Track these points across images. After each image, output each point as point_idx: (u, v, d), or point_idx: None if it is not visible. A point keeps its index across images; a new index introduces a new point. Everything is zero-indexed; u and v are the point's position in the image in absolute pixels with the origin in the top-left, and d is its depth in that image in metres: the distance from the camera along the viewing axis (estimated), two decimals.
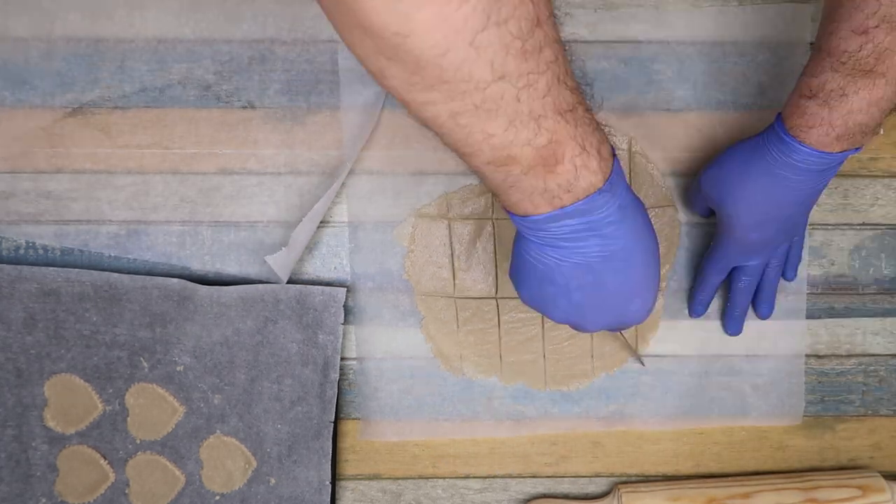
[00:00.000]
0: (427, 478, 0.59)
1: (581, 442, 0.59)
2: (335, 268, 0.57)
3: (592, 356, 0.58)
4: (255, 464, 0.56)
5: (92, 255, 0.56)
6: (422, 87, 0.33)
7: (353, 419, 0.58)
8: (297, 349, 0.55)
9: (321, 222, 0.57)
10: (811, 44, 0.56)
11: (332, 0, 0.30)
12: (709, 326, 0.59)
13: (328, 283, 0.57)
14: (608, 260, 0.41)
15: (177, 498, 0.56)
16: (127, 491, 0.56)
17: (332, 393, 0.55)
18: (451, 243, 0.57)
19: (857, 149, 0.46)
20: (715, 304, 0.58)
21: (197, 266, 0.57)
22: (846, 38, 0.42)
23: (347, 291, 0.56)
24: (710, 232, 0.58)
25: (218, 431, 0.56)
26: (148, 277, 0.54)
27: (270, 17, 0.55)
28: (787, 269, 0.57)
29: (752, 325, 0.58)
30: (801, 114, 0.45)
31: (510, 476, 0.59)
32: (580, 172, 0.37)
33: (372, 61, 0.33)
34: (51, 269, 0.54)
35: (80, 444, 0.55)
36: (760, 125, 0.55)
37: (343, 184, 0.56)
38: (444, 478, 0.59)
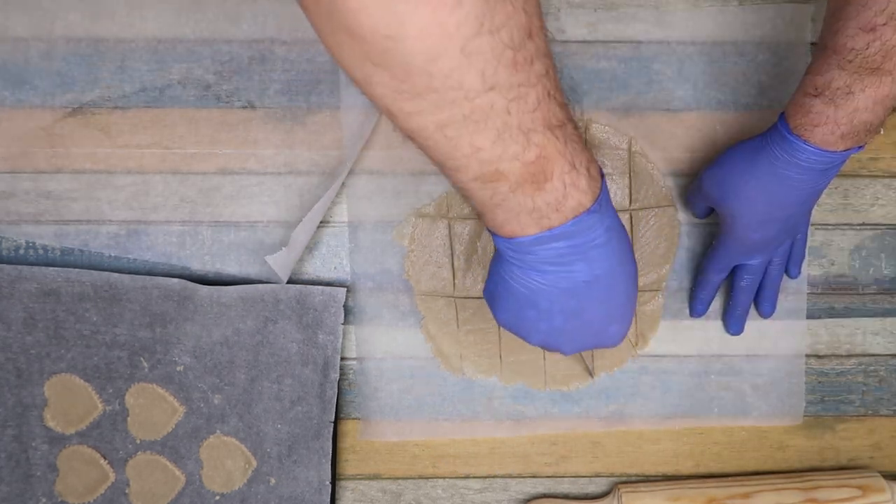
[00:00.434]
0: (427, 478, 0.59)
1: (581, 442, 0.59)
2: (335, 268, 0.57)
3: (593, 356, 0.58)
4: (255, 464, 0.56)
5: (92, 255, 0.56)
6: (410, 95, 0.32)
7: (353, 419, 0.58)
8: (297, 349, 0.55)
9: (321, 222, 0.57)
10: (811, 44, 0.57)
11: (315, 1, 0.29)
12: (709, 326, 0.59)
13: (328, 283, 0.57)
14: (592, 285, 0.41)
15: (177, 498, 0.56)
16: (127, 491, 0.56)
17: (332, 393, 0.55)
18: (451, 243, 0.57)
19: (859, 147, 0.46)
20: (715, 304, 0.58)
21: (197, 266, 0.57)
22: (853, 36, 0.42)
23: (347, 291, 0.56)
24: (711, 232, 0.58)
25: (218, 431, 0.56)
26: (148, 277, 0.54)
27: (270, 17, 0.55)
28: (792, 267, 0.57)
29: (752, 324, 0.58)
30: (805, 112, 0.45)
31: (510, 476, 0.59)
32: (569, 191, 0.37)
33: (357, 68, 0.32)
34: (51, 269, 0.54)
35: (80, 444, 0.55)
36: (761, 125, 0.55)
37: (343, 184, 0.56)
38: (444, 478, 0.59)
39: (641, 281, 0.58)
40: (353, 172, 0.57)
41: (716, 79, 0.57)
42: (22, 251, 0.56)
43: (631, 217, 0.57)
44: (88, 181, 0.56)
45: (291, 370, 0.55)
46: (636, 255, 0.57)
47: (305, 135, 0.56)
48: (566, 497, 0.59)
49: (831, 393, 0.59)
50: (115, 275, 0.54)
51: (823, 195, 0.58)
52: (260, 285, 0.55)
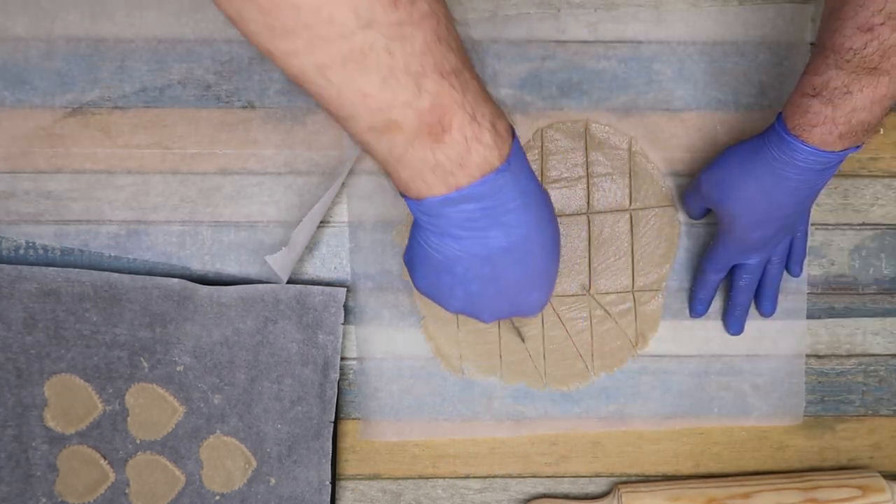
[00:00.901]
0: (427, 478, 0.59)
1: (581, 442, 0.59)
2: (335, 268, 0.57)
3: (593, 356, 0.58)
4: (255, 464, 0.56)
5: (92, 255, 0.56)
6: (282, 32, 0.31)
7: (353, 419, 0.58)
8: (297, 349, 0.55)
9: (321, 222, 0.57)
10: (811, 44, 0.57)
11: None
12: (709, 326, 0.59)
13: (328, 283, 0.57)
14: (509, 250, 0.40)
15: (177, 498, 0.56)
16: (127, 491, 0.56)
17: (332, 393, 0.55)
18: None
19: (857, 147, 0.46)
20: (715, 304, 0.58)
21: (197, 266, 0.57)
22: (851, 36, 0.42)
23: (347, 291, 0.56)
24: (710, 232, 0.58)
25: (218, 431, 0.56)
26: (148, 277, 0.54)
27: None
28: (793, 266, 0.56)
29: (752, 325, 0.58)
30: (803, 112, 0.45)
31: (510, 476, 0.59)
32: (472, 145, 0.35)
33: (227, 2, 0.31)
34: (51, 269, 0.54)
35: (80, 444, 0.55)
36: (761, 125, 0.55)
37: (343, 184, 0.56)
38: (444, 478, 0.59)
39: (642, 281, 0.58)
40: (353, 172, 0.57)
41: (716, 79, 0.57)
42: (22, 251, 0.56)
43: (631, 217, 0.57)
44: (88, 181, 0.56)
45: (291, 370, 0.55)
46: (636, 255, 0.57)
47: (305, 135, 0.56)
48: (566, 497, 0.59)
49: (831, 393, 0.59)
50: (115, 275, 0.54)
51: (823, 195, 0.58)
52: (260, 285, 0.55)
